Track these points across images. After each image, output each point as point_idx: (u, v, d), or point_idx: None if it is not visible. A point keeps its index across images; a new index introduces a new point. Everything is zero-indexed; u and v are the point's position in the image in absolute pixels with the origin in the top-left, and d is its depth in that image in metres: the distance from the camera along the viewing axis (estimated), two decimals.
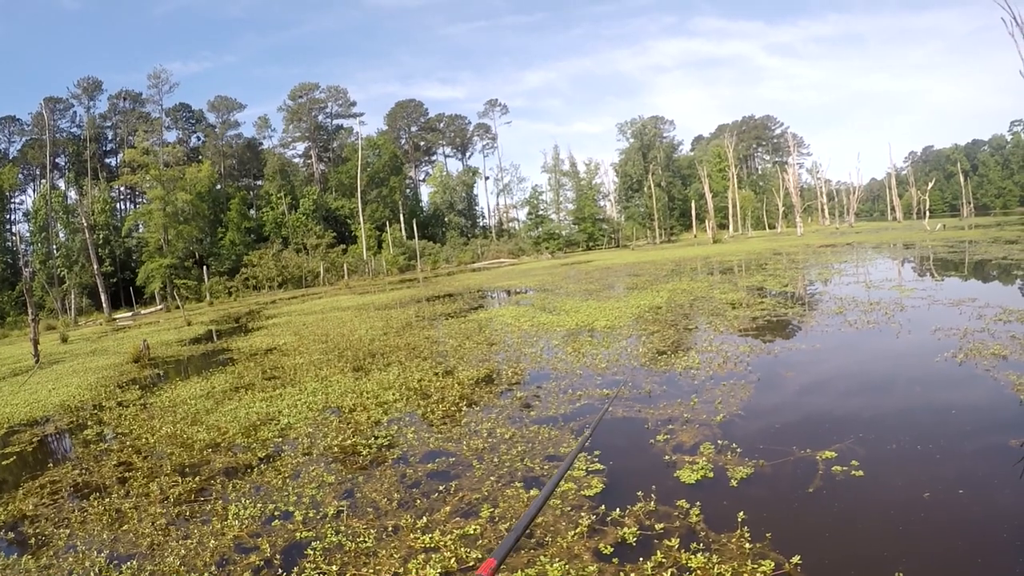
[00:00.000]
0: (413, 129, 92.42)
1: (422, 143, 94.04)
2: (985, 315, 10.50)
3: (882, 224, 65.37)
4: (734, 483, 5.07)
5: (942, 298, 12.75)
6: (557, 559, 4.14)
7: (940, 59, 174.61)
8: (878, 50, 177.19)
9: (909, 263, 22.66)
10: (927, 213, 51.90)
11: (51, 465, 7.93)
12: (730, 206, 72.86)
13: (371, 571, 4.29)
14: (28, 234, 52.92)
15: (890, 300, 13.07)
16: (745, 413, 6.82)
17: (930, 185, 62.74)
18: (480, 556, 4.30)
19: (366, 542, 4.70)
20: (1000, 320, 9.97)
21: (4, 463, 8.36)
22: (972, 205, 67.85)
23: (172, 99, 73.37)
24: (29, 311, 20.18)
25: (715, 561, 3.94)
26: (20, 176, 59.66)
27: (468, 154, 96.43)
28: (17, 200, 60.61)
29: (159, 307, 44.29)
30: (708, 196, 65.37)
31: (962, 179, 70.66)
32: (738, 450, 5.70)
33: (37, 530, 5.75)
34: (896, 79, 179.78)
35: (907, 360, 8.68)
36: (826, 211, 77.04)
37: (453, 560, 4.27)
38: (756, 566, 3.85)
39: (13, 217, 59.00)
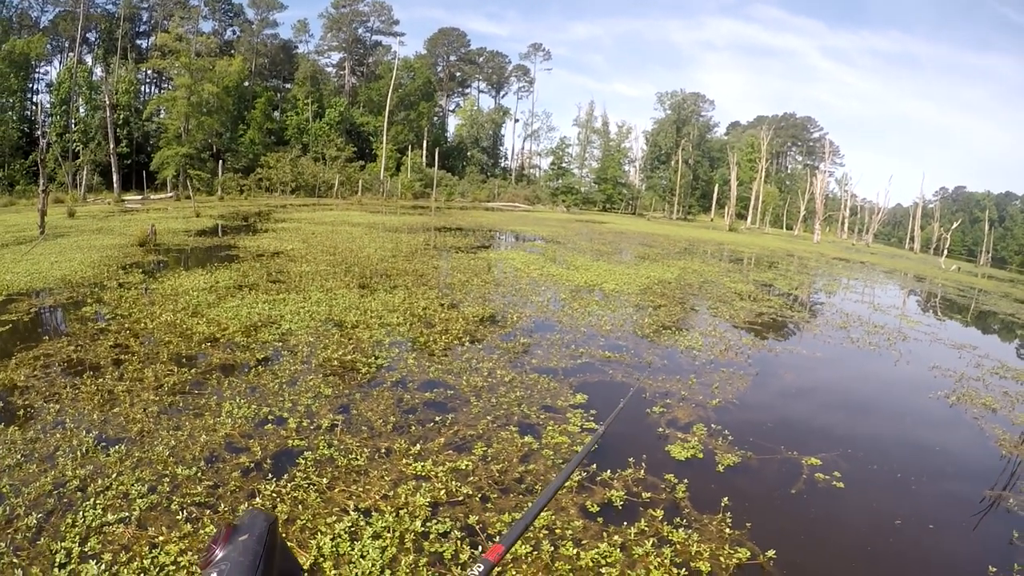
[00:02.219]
0: (452, 58, 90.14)
1: (458, 74, 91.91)
2: (983, 365, 10.46)
3: (898, 251, 64.60)
4: (721, 468, 5.18)
5: (944, 337, 12.71)
6: (545, 509, 4.19)
7: (991, 103, 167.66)
8: (931, 78, 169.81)
9: (917, 296, 22.54)
10: (945, 251, 50.97)
11: (46, 338, 7.65)
12: (753, 198, 71.82)
13: (361, 490, 4.35)
14: (48, 105, 51.90)
15: (894, 327, 13.04)
16: (740, 403, 6.90)
17: (954, 225, 61.68)
18: (470, 492, 4.38)
19: (358, 460, 4.75)
20: (996, 373, 9.92)
21: None
22: (990, 255, 66.69)
23: None
24: (40, 181, 19.68)
25: (695, 539, 4.05)
26: (48, 47, 58.29)
27: (502, 93, 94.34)
28: (42, 70, 59.32)
29: (169, 195, 43.96)
30: (733, 183, 64.52)
31: (987, 227, 69.23)
32: (729, 437, 5.79)
33: (26, 402, 5.62)
34: (942, 112, 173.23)
35: (901, 389, 8.78)
36: (846, 225, 76.25)
37: (443, 492, 4.34)
38: (733, 551, 3.96)
39: (36, 87, 57.82)
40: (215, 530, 3.65)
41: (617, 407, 4.73)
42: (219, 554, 1.01)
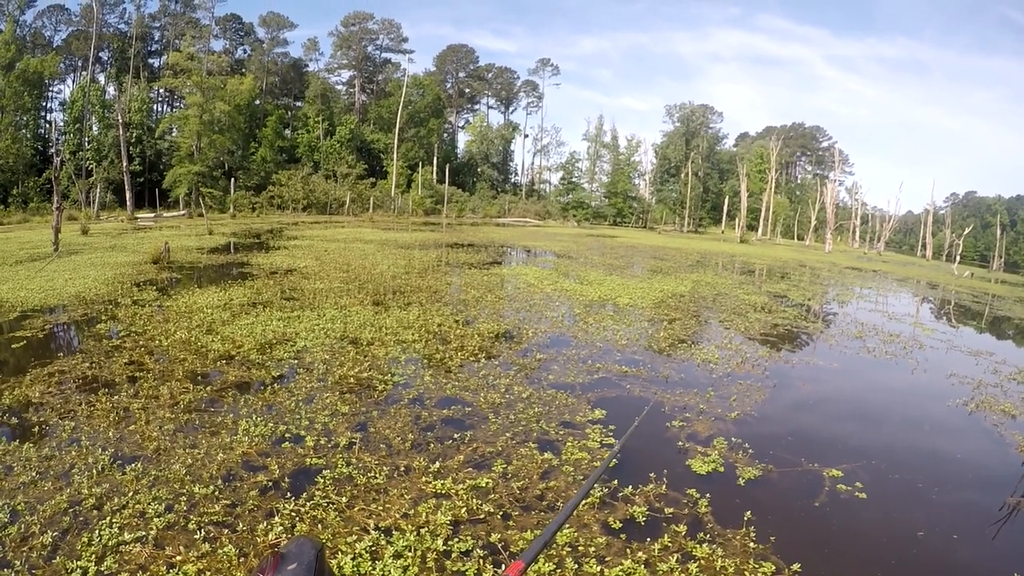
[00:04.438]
0: (460, 75, 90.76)
1: (467, 90, 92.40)
2: (1001, 371, 10.30)
3: (910, 258, 64.09)
4: (742, 482, 5.11)
5: (960, 344, 12.56)
6: (567, 526, 4.15)
7: (1001, 107, 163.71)
8: (939, 84, 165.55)
9: (931, 303, 22.36)
10: (958, 258, 50.33)
11: (61, 355, 7.69)
12: (763, 209, 71.52)
13: (381, 508, 4.30)
14: (62, 124, 52.53)
15: (909, 335, 12.90)
16: (759, 415, 6.83)
17: (966, 231, 61.07)
18: (491, 510, 4.34)
19: (377, 478, 4.71)
20: (1015, 379, 9.77)
21: (14, 346, 8.10)
22: (1003, 260, 65.90)
23: (224, 8, 72.46)
24: (54, 199, 19.85)
25: (719, 554, 3.98)
26: (61, 66, 59.09)
27: (511, 109, 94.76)
28: (55, 89, 60.01)
29: (182, 212, 44.30)
30: (743, 195, 64.35)
31: (999, 231, 68.56)
32: (750, 451, 5.72)
33: (41, 418, 5.60)
34: (951, 116, 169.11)
35: (920, 398, 8.68)
36: (857, 234, 75.79)
37: (464, 510, 4.29)
38: (758, 566, 3.90)
39: (49, 105, 58.54)
40: (260, 559, 3.63)
41: (633, 424, 4.68)
42: None
